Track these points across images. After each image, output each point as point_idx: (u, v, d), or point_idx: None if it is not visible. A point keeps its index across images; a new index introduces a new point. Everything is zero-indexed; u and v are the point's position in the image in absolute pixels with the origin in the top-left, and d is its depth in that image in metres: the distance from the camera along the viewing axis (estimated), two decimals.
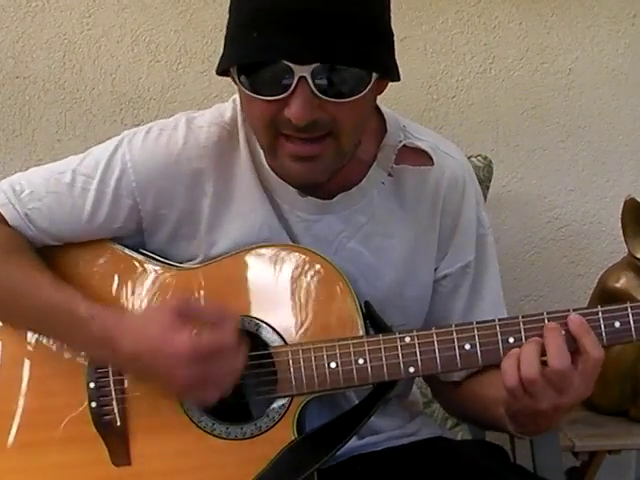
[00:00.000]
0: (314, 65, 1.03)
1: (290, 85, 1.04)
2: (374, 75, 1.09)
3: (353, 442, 1.24)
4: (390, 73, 1.12)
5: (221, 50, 1.11)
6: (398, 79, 1.12)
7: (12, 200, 1.23)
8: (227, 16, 1.11)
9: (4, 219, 1.23)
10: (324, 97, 1.05)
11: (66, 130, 2.04)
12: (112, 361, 1.15)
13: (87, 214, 1.23)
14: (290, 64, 1.03)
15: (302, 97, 1.05)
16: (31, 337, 1.22)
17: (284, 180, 1.21)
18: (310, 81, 1.04)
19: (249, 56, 1.06)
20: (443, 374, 1.31)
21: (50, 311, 1.16)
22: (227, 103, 1.28)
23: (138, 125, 1.88)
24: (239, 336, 1.10)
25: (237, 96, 1.25)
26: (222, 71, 1.12)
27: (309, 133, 1.08)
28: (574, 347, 1.07)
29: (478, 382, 1.28)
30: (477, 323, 1.13)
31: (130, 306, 1.22)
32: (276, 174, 1.21)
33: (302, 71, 1.03)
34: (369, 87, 1.08)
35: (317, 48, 1.03)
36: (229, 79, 1.13)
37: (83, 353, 1.18)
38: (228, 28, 1.11)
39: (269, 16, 1.03)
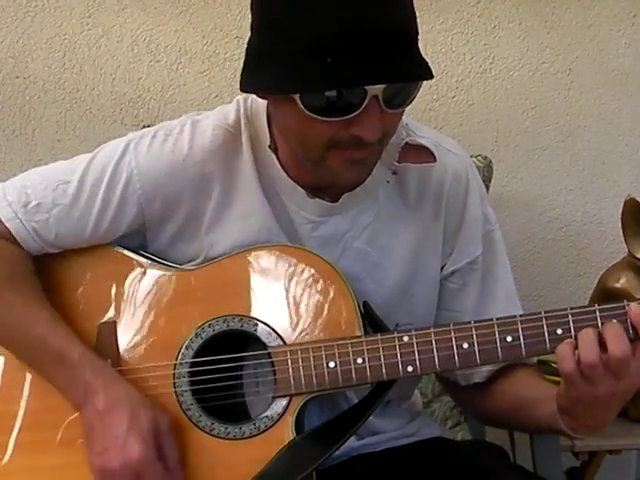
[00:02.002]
0: (385, 84, 1.05)
1: (360, 104, 1.05)
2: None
3: (353, 442, 1.24)
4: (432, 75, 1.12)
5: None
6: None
7: (20, 215, 1.22)
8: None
9: (10, 233, 1.23)
10: (390, 111, 1.07)
11: (66, 130, 2.04)
12: (83, 409, 1.14)
13: (92, 224, 1.23)
14: (365, 86, 1.04)
15: (375, 115, 1.06)
16: None
17: (295, 183, 1.22)
18: (381, 98, 1.05)
19: (330, 83, 1.04)
20: (463, 378, 1.32)
21: (42, 348, 1.16)
22: (230, 105, 1.27)
23: (138, 125, 1.90)
24: None
25: (241, 97, 1.26)
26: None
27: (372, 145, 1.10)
28: (632, 335, 1.07)
29: (509, 383, 1.28)
30: (475, 322, 1.13)
31: (128, 307, 1.22)
32: (289, 176, 1.22)
33: (375, 91, 1.04)
34: (419, 92, 1.11)
35: (389, 68, 1.03)
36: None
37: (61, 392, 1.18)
38: (272, 47, 1.07)
39: (339, 39, 1.01)
